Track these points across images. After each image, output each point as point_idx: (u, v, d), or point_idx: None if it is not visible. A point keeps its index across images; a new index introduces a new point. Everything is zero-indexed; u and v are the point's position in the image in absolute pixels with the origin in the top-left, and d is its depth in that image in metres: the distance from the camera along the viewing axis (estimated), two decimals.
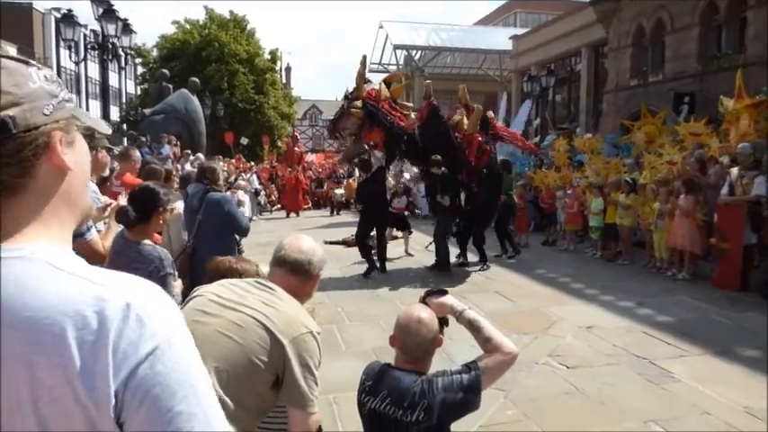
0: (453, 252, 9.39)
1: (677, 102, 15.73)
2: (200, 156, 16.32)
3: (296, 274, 2.03)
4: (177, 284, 3.25)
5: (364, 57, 9.79)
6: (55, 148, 0.87)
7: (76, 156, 0.92)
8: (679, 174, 9.29)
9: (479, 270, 9.20)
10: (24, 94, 0.84)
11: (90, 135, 1.00)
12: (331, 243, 11.30)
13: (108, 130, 1.12)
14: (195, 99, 20.93)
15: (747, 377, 4.74)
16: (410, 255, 10.56)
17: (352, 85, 9.38)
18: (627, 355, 5.31)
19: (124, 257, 3.08)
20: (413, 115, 9.41)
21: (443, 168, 8.88)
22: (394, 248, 10.83)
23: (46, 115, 0.86)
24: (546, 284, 8.31)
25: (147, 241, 3.23)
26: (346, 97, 9.41)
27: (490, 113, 9.97)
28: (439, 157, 8.83)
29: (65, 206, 0.90)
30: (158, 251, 3.18)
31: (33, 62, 0.89)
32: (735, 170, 8.18)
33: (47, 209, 0.88)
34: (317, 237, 2.04)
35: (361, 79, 9.18)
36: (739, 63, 14.33)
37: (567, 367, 5.04)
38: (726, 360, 5.14)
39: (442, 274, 8.84)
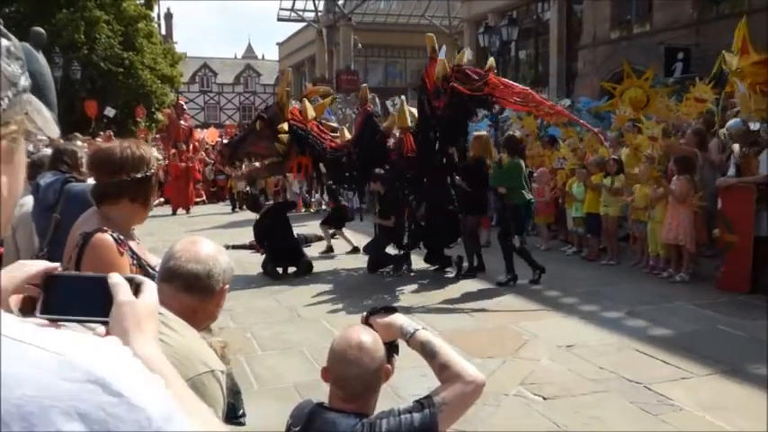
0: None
1: (669, 58, 16.31)
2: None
3: (192, 292, 1.98)
4: None
5: (282, 72, 10.31)
6: None
7: (13, 174, 0.79)
8: (663, 150, 9.55)
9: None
10: None
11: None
12: (234, 248, 11.18)
13: (56, 133, 0.98)
14: (41, 57, 19.89)
15: (763, 401, 4.92)
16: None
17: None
18: (617, 379, 5.46)
19: None
20: (347, 133, 10.07)
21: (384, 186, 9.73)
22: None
23: None
24: (514, 293, 8.45)
25: None
26: (260, 117, 9.81)
27: (491, 61, 9.64)
28: (380, 170, 9.63)
29: None
30: None
31: None
32: (736, 147, 8.55)
33: None
34: (217, 240, 2.01)
35: (287, 96, 9.68)
36: (743, 9, 14.86)
37: (544, 398, 5.13)
38: (736, 381, 5.36)
39: (381, 284, 9.14)
